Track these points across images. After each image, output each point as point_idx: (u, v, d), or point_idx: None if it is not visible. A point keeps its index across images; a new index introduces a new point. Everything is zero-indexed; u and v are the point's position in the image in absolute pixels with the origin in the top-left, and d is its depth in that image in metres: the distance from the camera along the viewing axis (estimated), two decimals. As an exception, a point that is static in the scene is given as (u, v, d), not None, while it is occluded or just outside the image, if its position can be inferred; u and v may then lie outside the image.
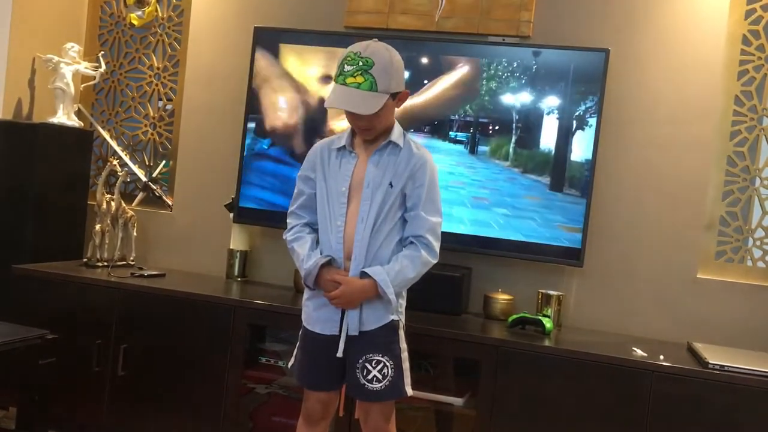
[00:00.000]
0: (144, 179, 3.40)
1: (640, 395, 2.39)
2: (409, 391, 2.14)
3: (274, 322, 2.85)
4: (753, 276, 2.84)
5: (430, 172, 2.13)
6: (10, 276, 2.97)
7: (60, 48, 3.33)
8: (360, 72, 2.00)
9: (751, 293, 2.81)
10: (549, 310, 2.81)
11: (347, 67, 2.02)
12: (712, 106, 2.86)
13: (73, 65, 3.32)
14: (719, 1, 2.84)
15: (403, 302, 2.19)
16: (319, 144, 2.24)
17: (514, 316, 2.73)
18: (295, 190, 2.25)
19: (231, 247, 3.26)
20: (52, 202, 3.23)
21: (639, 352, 2.48)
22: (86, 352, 2.86)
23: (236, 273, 3.25)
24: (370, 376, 2.09)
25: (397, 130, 2.13)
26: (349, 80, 2.00)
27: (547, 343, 2.56)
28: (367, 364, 2.09)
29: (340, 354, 2.10)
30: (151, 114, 3.54)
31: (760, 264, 2.84)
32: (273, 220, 3.13)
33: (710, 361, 2.35)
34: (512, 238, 2.87)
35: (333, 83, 2.05)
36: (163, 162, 3.46)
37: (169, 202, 3.45)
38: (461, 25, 3.08)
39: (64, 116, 3.30)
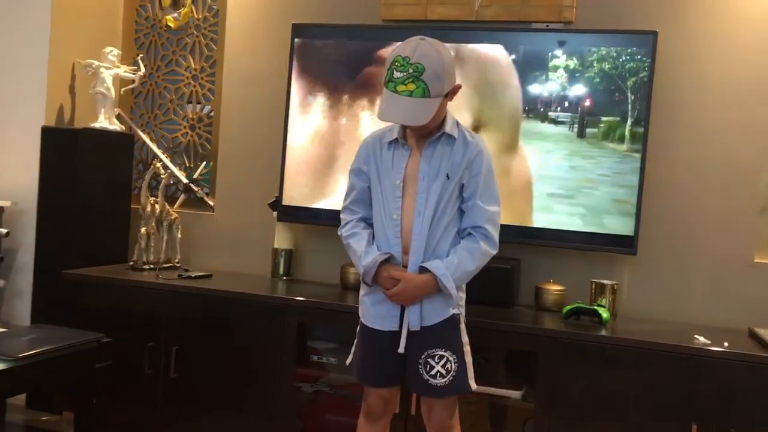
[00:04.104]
0: (185, 181, 3.40)
1: (706, 384, 2.33)
2: (473, 386, 2.11)
3: (323, 320, 2.83)
4: (812, 258, 2.77)
5: (487, 161, 2.09)
6: (61, 281, 2.97)
7: (99, 53, 3.34)
8: (411, 79, 1.94)
9: (811, 276, 2.74)
10: (603, 300, 2.76)
11: (397, 74, 1.95)
12: (764, 87, 2.78)
13: (113, 69, 3.33)
14: (770, -23, 2.77)
15: (463, 295, 2.15)
16: (370, 137, 2.21)
17: (569, 307, 2.68)
18: (348, 185, 2.22)
19: (275, 246, 3.25)
20: (97, 206, 3.24)
21: (701, 339, 2.42)
22: (138, 354, 2.86)
23: (281, 272, 3.24)
24: (433, 372, 2.06)
25: (450, 121, 2.09)
26: (401, 88, 1.94)
27: (605, 333, 2.51)
28: (429, 360, 2.06)
29: (401, 350, 2.07)
30: (190, 116, 3.54)
31: (820, 246, 2.77)
32: (318, 217, 3.11)
33: (778, 347, 2.29)
34: (562, 227, 2.82)
35: (384, 89, 1.99)
36: (204, 163, 3.45)
37: (211, 203, 3.45)
38: (501, 14, 3.03)
39: (106, 121, 3.31)
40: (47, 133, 3.20)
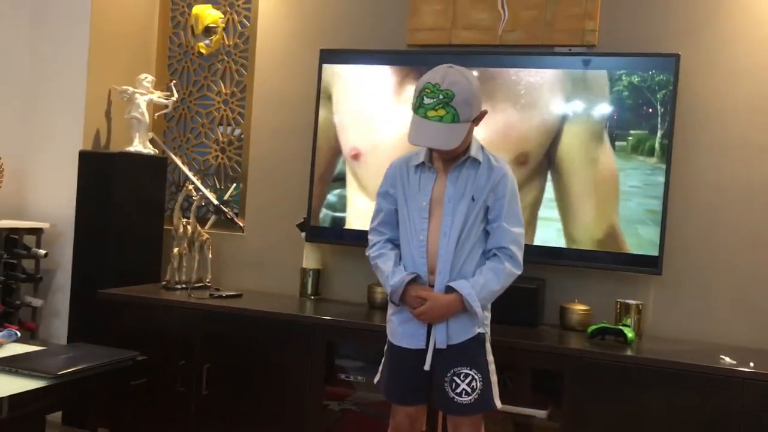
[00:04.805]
0: (215, 202, 3.49)
1: (732, 404, 2.34)
2: (498, 404, 2.14)
3: (352, 339, 2.88)
4: (840, 279, 2.76)
5: (511, 184, 2.14)
6: (96, 300, 3.07)
7: (134, 79, 3.46)
8: (441, 105, 2.01)
9: (839, 296, 2.73)
10: (629, 320, 2.77)
11: (427, 100, 2.02)
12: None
13: (147, 95, 3.44)
14: (791, -1, 2.80)
15: (489, 315, 2.20)
16: (397, 161, 2.27)
17: (594, 327, 2.71)
18: (375, 207, 2.28)
19: (304, 265, 3.31)
20: (131, 228, 3.34)
21: (727, 359, 2.43)
22: (171, 372, 2.94)
23: (309, 291, 3.30)
24: (459, 390, 2.10)
25: (475, 146, 2.15)
26: (431, 113, 2.01)
27: (630, 352, 2.53)
28: (455, 378, 2.10)
29: (427, 367, 2.12)
30: (221, 139, 3.64)
31: None
32: (345, 237, 3.18)
33: (804, 367, 2.30)
34: (587, 248, 2.85)
35: (413, 114, 2.06)
36: (234, 185, 3.54)
37: (241, 224, 3.53)
38: (524, 38, 3.08)
39: (140, 145, 3.42)
40: (84, 157, 3.31)
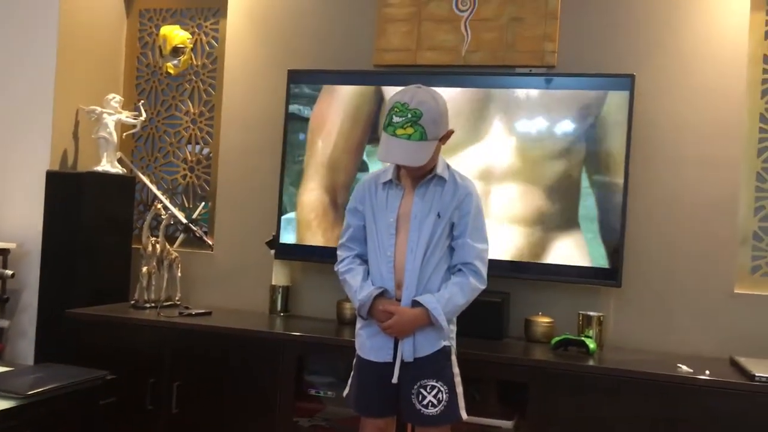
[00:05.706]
0: (184, 221, 3.50)
1: (689, 411, 2.43)
2: (464, 415, 2.20)
3: (321, 354, 2.92)
4: (790, 289, 2.88)
5: (476, 201, 2.21)
6: (64, 320, 3.05)
7: (102, 99, 3.47)
8: (410, 123, 2.07)
9: (789, 306, 2.85)
10: (591, 331, 2.86)
11: (396, 119, 2.08)
12: (737, 125, 2.93)
13: (115, 115, 3.45)
14: (739, 23, 2.93)
15: (454, 328, 2.26)
16: (366, 178, 2.33)
17: (557, 338, 2.78)
18: (344, 224, 2.34)
19: (273, 282, 3.34)
20: (99, 247, 3.33)
21: (684, 368, 2.52)
22: (140, 391, 2.93)
23: (279, 308, 3.33)
24: (425, 402, 2.15)
25: (441, 164, 2.22)
26: (399, 131, 2.08)
27: (592, 363, 2.61)
28: (422, 390, 2.15)
29: (395, 380, 2.17)
30: (189, 158, 3.66)
31: (796, 276, 2.89)
32: (314, 254, 3.22)
33: (756, 374, 2.39)
34: (549, 261, 2.94)
35: (382, 132, 2.13)
36: (202, 204, 3.56)
37: (210, 242, 3.55)
38: (487, 59, 3.18)
39: (108, 164, 3.42)
40: (52, 177, 3.30)
